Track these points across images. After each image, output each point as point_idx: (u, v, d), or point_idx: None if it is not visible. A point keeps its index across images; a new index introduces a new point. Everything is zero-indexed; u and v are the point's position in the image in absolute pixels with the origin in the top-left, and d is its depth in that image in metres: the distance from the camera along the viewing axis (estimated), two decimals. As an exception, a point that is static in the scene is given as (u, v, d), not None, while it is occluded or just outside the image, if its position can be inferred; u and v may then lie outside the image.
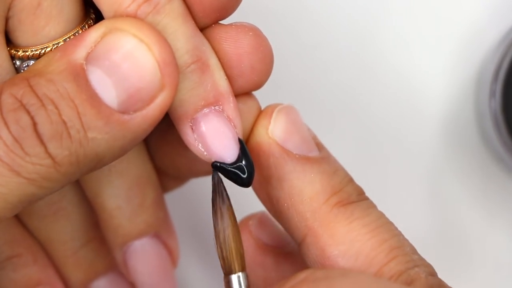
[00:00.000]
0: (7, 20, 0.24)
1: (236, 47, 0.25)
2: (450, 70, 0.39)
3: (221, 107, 0.25)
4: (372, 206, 0.26)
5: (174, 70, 0.23)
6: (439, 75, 0.39)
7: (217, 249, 0.25)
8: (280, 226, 0.27)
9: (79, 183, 0.29)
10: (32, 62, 0.24)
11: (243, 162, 0.25)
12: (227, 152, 0.25)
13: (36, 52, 0.24)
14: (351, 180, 0.26)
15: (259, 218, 0.30)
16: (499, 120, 0.37)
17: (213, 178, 0.25)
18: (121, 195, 0.29)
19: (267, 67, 0.26)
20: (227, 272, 0.25)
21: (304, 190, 0.25)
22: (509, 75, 0.37)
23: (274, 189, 0.26)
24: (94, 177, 0.28)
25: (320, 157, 0.26)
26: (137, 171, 0.29)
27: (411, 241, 0.42)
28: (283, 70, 0.39)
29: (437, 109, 0.39)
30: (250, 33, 0.25)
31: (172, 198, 0.32)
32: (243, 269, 0.25)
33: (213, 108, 0.25)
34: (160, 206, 0.30)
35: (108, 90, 0.22)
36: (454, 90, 0.39)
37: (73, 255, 0.30)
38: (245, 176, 0.25)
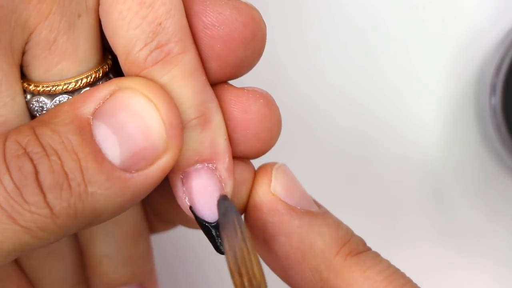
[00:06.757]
0: (23, 54, 0.24)
1: (244, 112, 0.25)
2: (451, 70, 0.39)
3: (214, 165, 0.25)
4: (379, 255, 0.26)
5: (179, 132, 0.23)
6: (440, 75, 0.39)
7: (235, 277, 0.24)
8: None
9: None
10: (41, 97, 0.24)
11: None
12: (210, 212, 0.25)
13: (47, 89, 0.24)
14: (353, 232, 0.26)
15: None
16: (499, 120, 0.37)
17: (220, 207, 0.25)
18: (113, 244, 0.29)
19: (273, 137, 0.26)
20: None
21: (315, 244, 0.25)
22: (509, 75, 0.37)
23: (282, 245, 0.26)
24: None
25: (322, 211, 0.26)
26: (132, 223, 0.29)
27: (411, 241, 0.42)
28: (283, 70, 0.39)
29: (437, 109, 0.39)
30: (261, 101, 0.25)
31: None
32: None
33: (206, 165, 0.25)
34: (148, 258, 0.30)
35: (112, 147, 0.22)
36: (454, 90, 0.39)
37: None
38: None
